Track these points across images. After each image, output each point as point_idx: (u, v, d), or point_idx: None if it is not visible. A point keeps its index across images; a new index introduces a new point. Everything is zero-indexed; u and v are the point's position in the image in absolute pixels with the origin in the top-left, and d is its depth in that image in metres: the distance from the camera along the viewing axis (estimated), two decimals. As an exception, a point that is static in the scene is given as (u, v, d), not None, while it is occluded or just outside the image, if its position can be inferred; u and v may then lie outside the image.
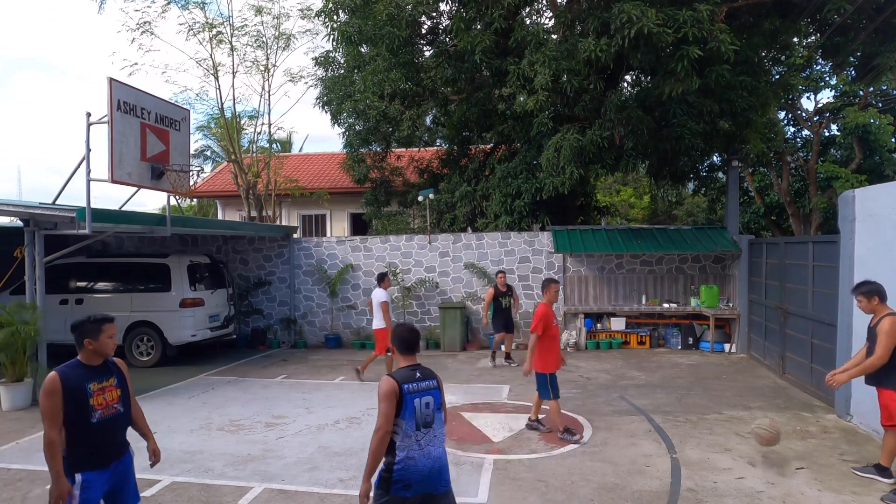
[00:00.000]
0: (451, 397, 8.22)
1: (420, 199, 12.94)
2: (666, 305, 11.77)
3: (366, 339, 12.56)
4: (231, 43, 15.04)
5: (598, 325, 11.88)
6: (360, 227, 18.85)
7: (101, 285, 11.13)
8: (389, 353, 8.80)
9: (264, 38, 15.37)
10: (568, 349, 11.59)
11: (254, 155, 16.50)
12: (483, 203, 13.94)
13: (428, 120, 16.83)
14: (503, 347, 10.71)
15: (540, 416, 6.79)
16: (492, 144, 15.60)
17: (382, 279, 9.19)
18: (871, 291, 5.10)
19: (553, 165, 11.23)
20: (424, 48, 13.61)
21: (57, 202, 8.23)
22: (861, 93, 17.31)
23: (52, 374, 3.28)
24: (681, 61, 9.74)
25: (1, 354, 7.83)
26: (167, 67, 22.38)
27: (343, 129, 15.56)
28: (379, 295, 8.98)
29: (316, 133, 58.43)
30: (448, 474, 3.42)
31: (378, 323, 8.98)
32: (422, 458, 3.26)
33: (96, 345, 3.40)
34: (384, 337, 8.78)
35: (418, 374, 3.41)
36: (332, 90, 14.86)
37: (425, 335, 12.28)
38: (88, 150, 7.84)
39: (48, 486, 3.37)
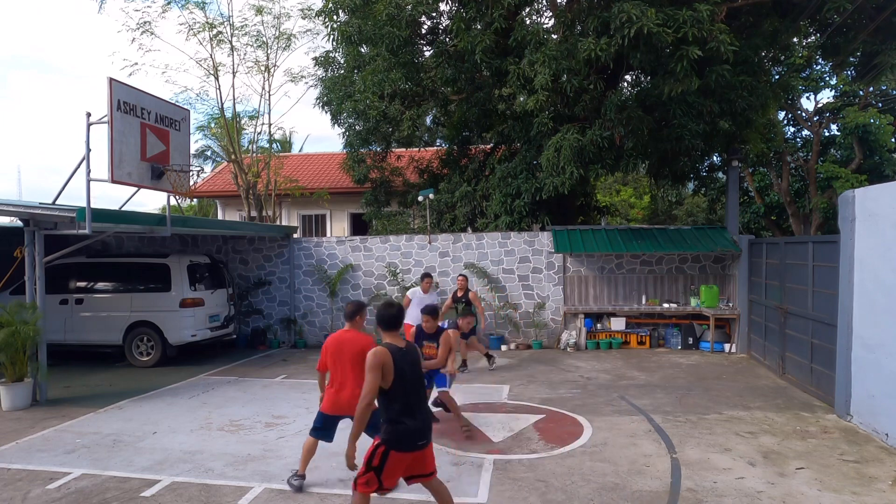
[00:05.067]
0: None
1: (420, 199, 12.93)
2: (666, 305, 11.77)
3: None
4: (231, 43, 15.07)
5: (598, 325, 11.88)
6: (360, 227, 18.85)
7: (101, 285, 11.12)
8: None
9: (264, 38, 15.40)
10: (568, 349, 11.61)
11: (254, 155, 16.50)
12: (483, 203, 13.93)
13: (428, 120, 16.83)
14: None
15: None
16: (492, 144, 15.58)
17: (421, 280, 9.74)
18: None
19: (553, 165, 11.23)
20: (424, 48, 13.60)
21: (57, 202, 8.21)
22: (861, 93, 17.32)
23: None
24: (680, 61, 9.74)
25: (1, 354, 7.82)
26: (167, 67, 22.52)
27: (343, 129, 15.55)
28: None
29: (316, 133, 58.52)
30: None
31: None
32: None
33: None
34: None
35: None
36: (332, 90, 14.84)
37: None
38: (88, 150, 7.84)
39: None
